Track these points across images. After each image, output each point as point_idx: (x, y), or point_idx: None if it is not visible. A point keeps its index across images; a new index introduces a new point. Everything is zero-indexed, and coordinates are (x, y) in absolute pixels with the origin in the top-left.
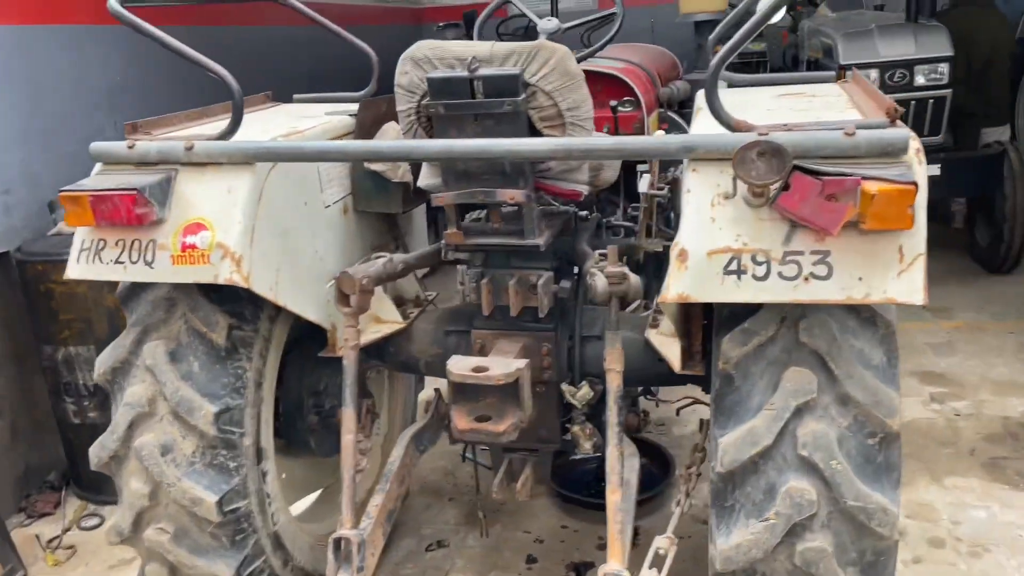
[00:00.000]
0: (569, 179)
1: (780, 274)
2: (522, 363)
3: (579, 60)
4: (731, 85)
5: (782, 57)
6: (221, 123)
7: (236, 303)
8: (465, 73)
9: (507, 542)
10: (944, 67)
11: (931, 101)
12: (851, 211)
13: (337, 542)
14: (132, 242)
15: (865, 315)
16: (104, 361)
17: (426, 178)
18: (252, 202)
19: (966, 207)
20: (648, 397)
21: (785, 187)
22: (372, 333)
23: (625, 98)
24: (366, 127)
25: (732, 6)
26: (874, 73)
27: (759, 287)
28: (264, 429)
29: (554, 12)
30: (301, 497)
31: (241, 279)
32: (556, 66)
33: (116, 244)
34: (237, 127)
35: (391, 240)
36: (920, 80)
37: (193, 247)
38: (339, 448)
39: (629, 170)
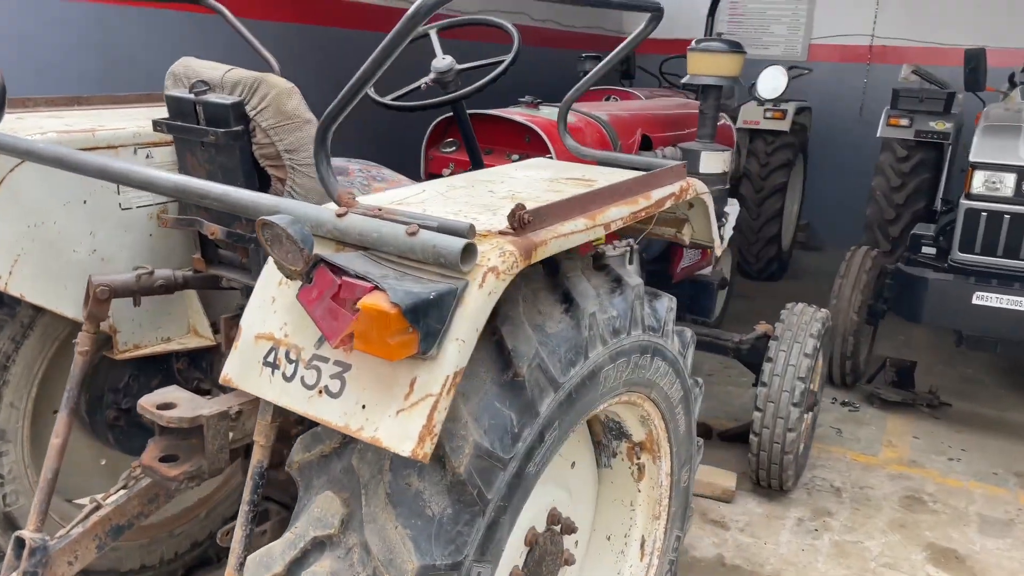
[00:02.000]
0: None
1: (303, 379)
2: (211, 409)
3: (458, 98)
4: (580, 157)
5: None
6: (76, 112)
7: None
8: (191, 96)
9: None
10: None
11: None
12: (354, 323)
13: (17, 540)
14: None
15: (440, 452)
16: None
17: None
18: None
19: None
20: None
21: (309, 279)
22: (177, 344)
23: (548, 155)
24: None
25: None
26: (1010, 179)
27: (282, 388)
28: (7, 411)
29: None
30: None
31: None
32: (272, 103)
33: None
34: None
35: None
36: None
37: None
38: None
39: None
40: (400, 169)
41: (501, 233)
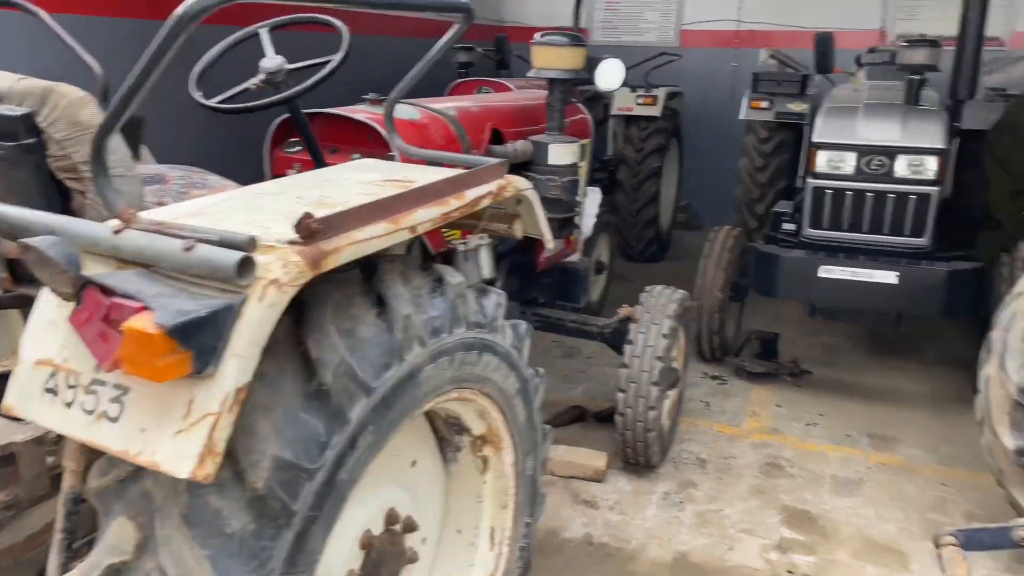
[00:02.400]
0: None
1: (82, 405)
2: (24, 436)
3: (288, 99)
4: (409, 156)
5: None
6: None
7: None
8: None
9: None
10: (932, 160)
11: (912, 198)
12: (122, 346)
13: None
14: None
15: (238, 469)
16: None
17: None
18: None
19: None
20: None
21: (80, 301)
22: (2, 367)
23: (389, 153)
24: None
25: (592, 58)
26: (851, 157)
27: (63, 416)
28: None
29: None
30: None
31: None
32: (64, 114)
33: None
34: None
35: None
36: (902, 171)
37: None
38: None
39: None
40: (248, 172)
41: (290, 243)
